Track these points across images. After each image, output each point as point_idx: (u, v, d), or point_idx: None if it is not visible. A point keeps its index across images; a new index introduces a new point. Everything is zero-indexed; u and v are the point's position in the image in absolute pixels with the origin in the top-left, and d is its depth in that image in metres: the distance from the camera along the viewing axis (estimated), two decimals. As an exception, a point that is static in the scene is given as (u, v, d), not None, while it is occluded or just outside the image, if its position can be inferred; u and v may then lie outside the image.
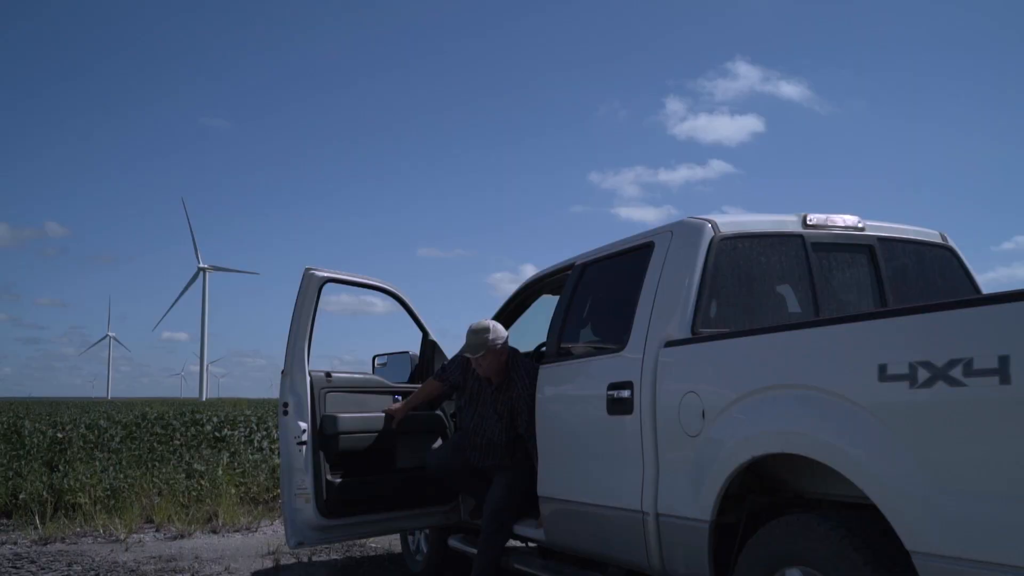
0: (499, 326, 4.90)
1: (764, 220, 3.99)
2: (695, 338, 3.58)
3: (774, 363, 3.15)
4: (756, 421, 3.13)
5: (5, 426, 13.24)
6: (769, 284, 3.93)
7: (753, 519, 3.38)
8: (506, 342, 4.89)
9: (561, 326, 4.57)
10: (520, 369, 4.84)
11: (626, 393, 3.79)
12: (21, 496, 8.60)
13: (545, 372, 4.55)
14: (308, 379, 4.93)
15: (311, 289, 4.99)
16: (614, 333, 4.22)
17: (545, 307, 5.71)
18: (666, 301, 3.78)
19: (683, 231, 3.91)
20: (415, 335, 5.71)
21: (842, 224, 4.06)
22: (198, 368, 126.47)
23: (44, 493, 8.59)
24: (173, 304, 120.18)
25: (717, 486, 3.27)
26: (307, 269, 5.03)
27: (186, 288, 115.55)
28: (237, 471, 9.84)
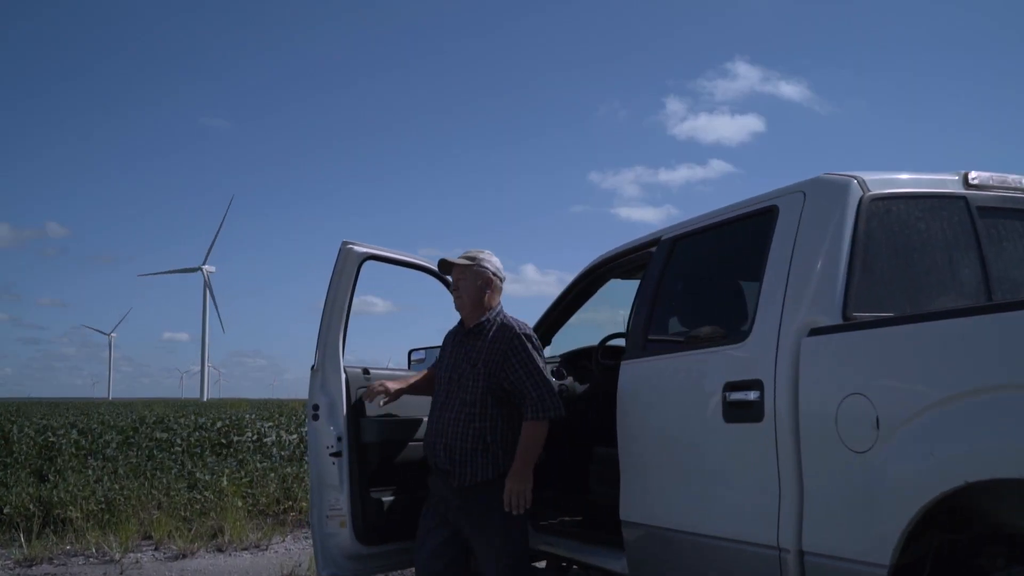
0: (496, 259, 3.92)
1: (918, 178, 3.18)
2: (854, 324, 2.75)
3: (987, 357, 2.33)
4: (966, 434, 2.31)
5: (-10, 431, 12.38)
6: (930, 256, 3.10)
7: (938, 561, 2.59)
8: (498, 276, 3.86)
9: (648, 314, 3.74)
10: (507, 321, 3.80)
11: (752, 395, 2.96)
12: (5, 510, 7.76)
13: (629, 370, 3.72)
14: (343, 377, 4.09)
15: (348, 267, 4.16)
16: (727, 320, 3.42)
17: (613, 294, 4.93)
18: (804, 278, 2.96)
19: (821, 191, 3.10)
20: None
21: (1014, 184, 3.25)
22: (199, 368, 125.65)
23: (31, 506, 7.74)
24: (213, 310, 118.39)
25: (903, 519, 2.43)
26: (344, 243, 4.18)
27: (209, 296, 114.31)
28: (244, 480, 9.00)
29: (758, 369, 2.97)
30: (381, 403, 4.03)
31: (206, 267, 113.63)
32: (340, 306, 4.13)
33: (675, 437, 3.41)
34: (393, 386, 4.04)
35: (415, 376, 4.21)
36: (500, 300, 3.91)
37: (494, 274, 3.85)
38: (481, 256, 3.85)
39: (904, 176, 3.15)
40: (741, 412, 3.01)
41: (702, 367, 3.30)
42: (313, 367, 4.06)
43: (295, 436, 12.47)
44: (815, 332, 2.82)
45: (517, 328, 3.75)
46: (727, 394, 3.07)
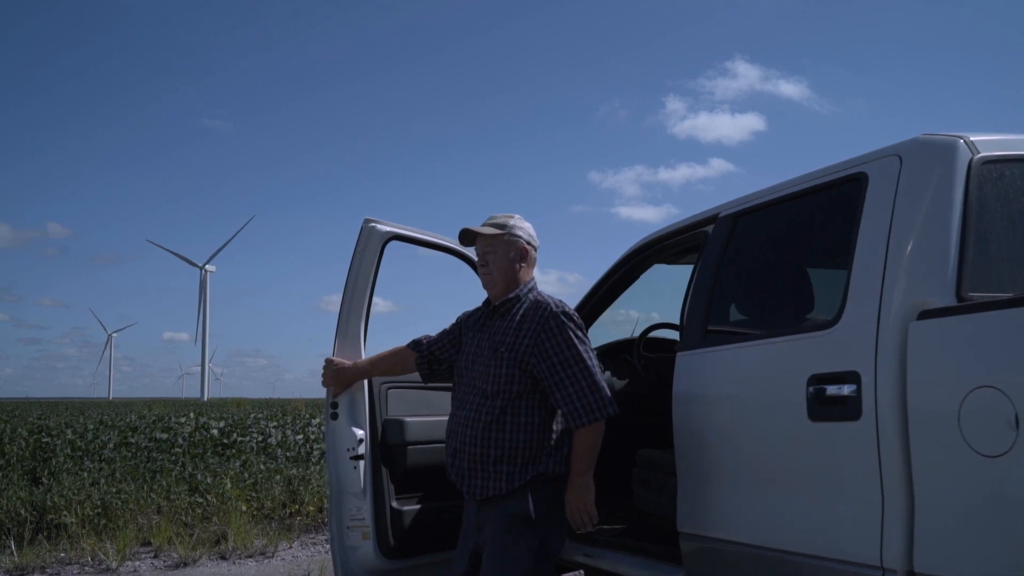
0: (529, 225, 3.30)
1: (1028, 140, 2.75)
2: (982, 304, 2.33)
3: None
4: None
5: (-16, 432, 11.89)
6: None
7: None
8: (532, 245, 3.23)
9: (708, 300, 3.32)
10: (541, 297, 3.15)
11: (847, 389, 2.54)
12: (-4, 515, 7.32)
13: (687, 363, 3.29)
14: None
15: (371, 248, 3.71)
16: (804, 303, 3.01)
17: (657, 280, 4.51)
18: (908, 254, 2.54)
19: (922, 154, 2.67)
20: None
21: None
22: (199, 368, 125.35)
23: (23, 511, 7.31)
24: (200, 313, 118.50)
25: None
26: (367, 221, 3.74)
27: (202, 295, 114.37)
28: (248, 483, 8.57)
29: (853, 359, 2.55)
30: (324, 383, 3.60)
31: (208, 267, 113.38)
32: (361, 291, 3.69)
33: (746, 439, 2.98)
34: (340, 375, 3.54)
35: (377, 361, 3.59)
36: (534, 274, 3.28)
37: (528, 243, 3.21)
38: (511, 222, 3.21)
39: (1017, 137, 2.73)
40: (832, 409, 2.59)
41: (779, 358, 2.87)
42: (331, 359, 3.62)
43: (300, 436, 12.02)
44: (926, 315, 2.40)
45: (553, 305, 3.07)
46: (812, 388, 2.65)
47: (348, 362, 3.59)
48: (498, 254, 3.17)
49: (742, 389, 3.03)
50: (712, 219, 3.52)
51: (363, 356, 3.67)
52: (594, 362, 3.04)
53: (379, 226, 3.72)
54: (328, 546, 7.25)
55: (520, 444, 2.97)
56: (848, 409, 2.53)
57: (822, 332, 2.71)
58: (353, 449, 3.52)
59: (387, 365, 3.57)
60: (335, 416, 3.54)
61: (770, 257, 3.30)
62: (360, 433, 3.54)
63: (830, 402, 2.59)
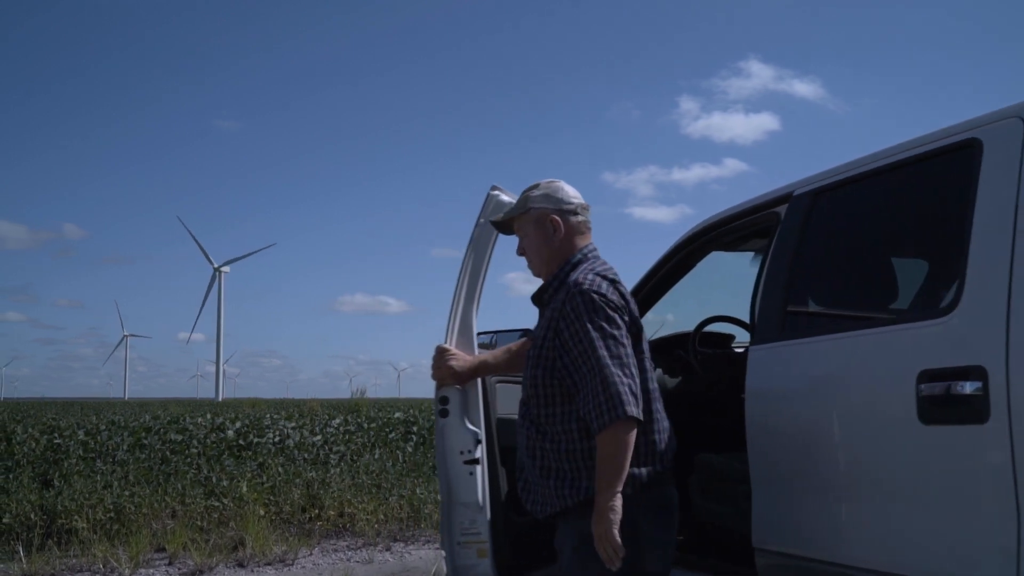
0: (562, 186, 2.77)
1: None
2: None
3: None
4: None
5: (-6, 431, 11.59)
6: None
7: None
8: (565, 209, 2.71)
9: (785, 288, 2.97)
10: (578, 274, 2.59)
11: (969, 387, 2.19)
12: (5, 519, 7.01)
13: (762, 359, 2.94)
14: None
15: (486, 232, 3.26)
16: (903, 288, 2.67)
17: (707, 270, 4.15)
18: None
19: (1052, 113, 2.31)
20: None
21: None
22: (214, 368, 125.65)
23: (32, 516, 7.00)
24: (200, 311, 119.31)
25: None
26: (493, 189, 3.25)
27: (208, 292, 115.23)
28: (266, 486, 8.24)
29: (976, 352, 2.20)
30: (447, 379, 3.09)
31: (223, 268, 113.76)
32: (478, 270, 3.25)
33: (839, 444, 2.62)
34: (461, 364, 3.05)
35: (503, 354, 3.11)
36: (586, 242, 2.73)
37: (559, 209, 2.70)
38: (533, 193, 2.75)
39: None
40: (950, 410, 2.23)
41: (879, 352, 2.51)
42: (439, 347, 3.17)
43: (319, 438, 11.70)
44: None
45: (584, 282, 2.51)
46: (924, 386, 2.29)
47: (465, 354, 3.11)
48: (529, 236, 2.75)
49: (834, 387, 2.67)
50: (784, 198, 3.17)
51: (475, 341, 3.23)
52: (614, 352, 2.42)
53: (505, 197, 3.24)
54: (349, 553, 6.94)
55: (564, 455, 2.50)
56: (972, 410, 2.17)
57: (934, 321, 2.35)
58: (468, 452, 3.06)
59: (509, 359, 3.08)
60: (445, 413, 3.08)
61: (859, 238, 2.94)
62: (478, 433, 3.08)
63: (948, 402, 2.23)
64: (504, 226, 2.89)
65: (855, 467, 2.56)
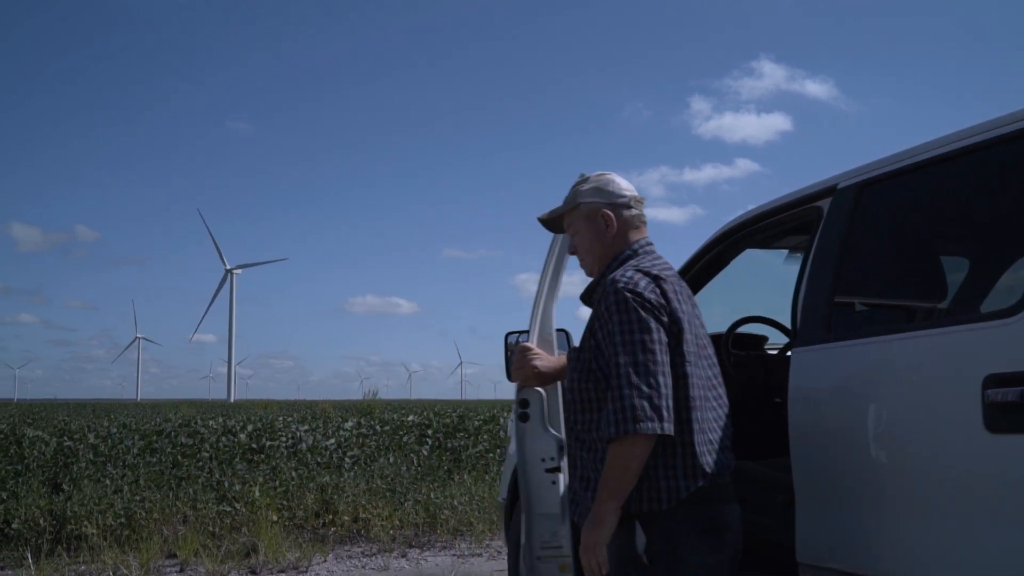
0: (613, 178, 2.64)
1: None
2: None
3: None
4: None
5: (3, 434, 11.46)
6: None
7: None
8: (616, 203, 2.56)
9: (830, 287, 2.79)
10: (617, 272, 2.42)
11: (1048, 394, 2.00)
12: (14, 524, 6.88)
13: (806, 361, 2.76)
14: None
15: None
16: (964, 286, 2.47)
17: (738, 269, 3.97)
18: None
19: None
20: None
21: None
22: (226, 370, 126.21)
23: (42, 521, 6.86)
24: (207, 309, 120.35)
25: None
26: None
27: (217, 292, 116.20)
28: (279, 490, 8.09)
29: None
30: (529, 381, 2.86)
31: (235, 270, 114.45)
32: (560, 266, 3.05)
33: (891, 453, 2.44)
34: (545, 365, 2.83)
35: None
36: (639, 236, 2.57)
37: (611, 203, 2.55)
38: (583, 187, 2.60)
39: None
40: (1021, 418, 2.05)
41: (938, 355, 2.33)
42: (521, 346, 2.98)
43: (332, 441, 11.55)
44: None
45: (620, 280, 2.34)
46: (991, 392, 2.11)
47: (547, 354, 2.89)
48: (580, 233, 2.61)
49: (887, 393, 2.49)
50: (827, 192, 2.99)
51: (555, 340, 3.03)
52: (639, 359, 2.23)
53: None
54: (364, 560, 6.78)
55: (601, 465, 2.31)
56: (1050, 418, 1.99)
57: (1002, 322, 2.17)
58: (551, 460, 2.86)
59: None
60: (525, 417, 2.85)
61: (911, 233, 2.76)
62: (560, 440, 2.88)
63: (1019, 409, 2.05)
64: (553, 224, 2.74)
65: (912, 478, 2.38)
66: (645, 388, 2.19)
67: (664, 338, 2.28)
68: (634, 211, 2.57)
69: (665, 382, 2.23)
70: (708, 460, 2.30)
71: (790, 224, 3.35)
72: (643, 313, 2.28)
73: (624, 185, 2.60)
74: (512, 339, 3.84)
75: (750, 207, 3.43)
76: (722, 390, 2.46)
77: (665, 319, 2.31)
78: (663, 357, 2.26)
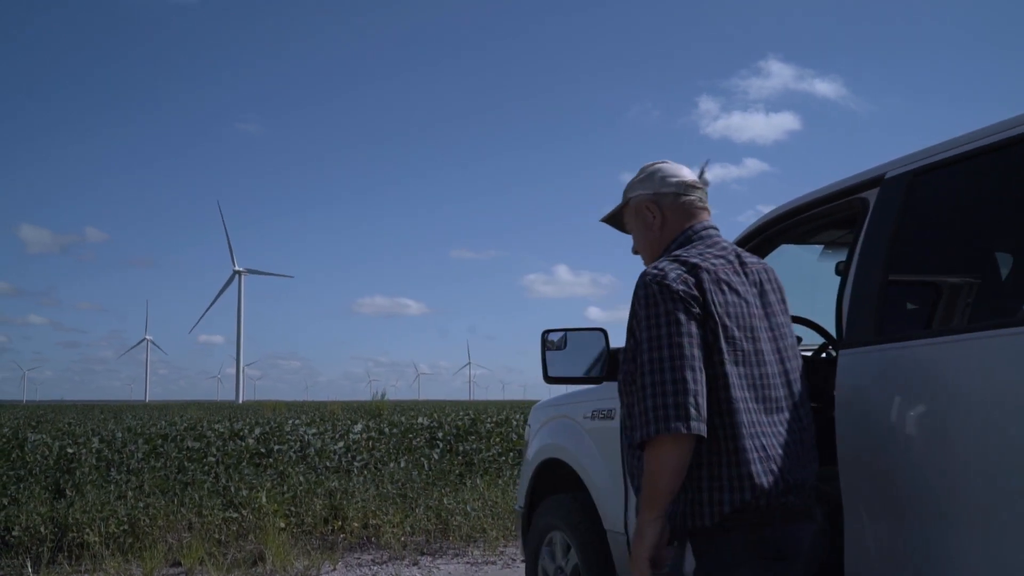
0: (659, 167, 2.44)
1: None
2: None
3: None
4: None
5: (5, 438, 11.27)
6: None
7: None
8: (665, 192, 2.37)
9: (880, 284, 2.57)
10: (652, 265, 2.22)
11: None
12: (14, 532, 6.68)
13: (857, 365, 2.54)
14: None
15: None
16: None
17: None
18: None
19: None
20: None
21: None
22: (234, 371, 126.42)
23: (43, 528, 6.67)
24: (209, 307, 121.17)
25: None
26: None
27: (222, 291, 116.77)
28: (287, 496, 7.88)
29: None
30: None
31: (239, 268, 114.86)
32: None
33: (955, 463, 2.22)
34: None
35: None
36: (692, 222, 2.36)
37: (656, 193, 2.37)
38: (633, 179, 2.46)
39: None
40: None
41: (1012, 356, 2.12)
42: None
43: (341, 444, 11.34)
44: None
45: (649, 272, 2.14)
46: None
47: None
48: (634, 231, 2.47)
49: (950, 398, 2.27)
50: (874, 182, 2.76)
51: None
52: (665, 355, 2.02)
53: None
54: (375, 568, 6.57)
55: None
56: None
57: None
58: None
59: None
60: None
61: (970, 225, 2.54)
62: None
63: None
64: (618, 224, 2.57)
65: (980, 491, 2.16)
66: (670, 385, 1.99)
67: (695, 331, 2.05)
68: (686, 197, 2.37)
69: (695, 377, 2.00)
70: (759, 470, 2.04)
71: (831, 217, 3.13)
72: (669, 305, 2.07)
73: (670, 172, 2.41)
74: (553, 336, 3.62)
75: (759, 207, 3.22)
76: (787, 391, 2.20)
77: (697, 311, 2.08)
78: (693, 351, 2.03)
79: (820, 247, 3.94)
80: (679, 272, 2.12)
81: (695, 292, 2.10)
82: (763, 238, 3.39)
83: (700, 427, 1.96)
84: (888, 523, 2.39)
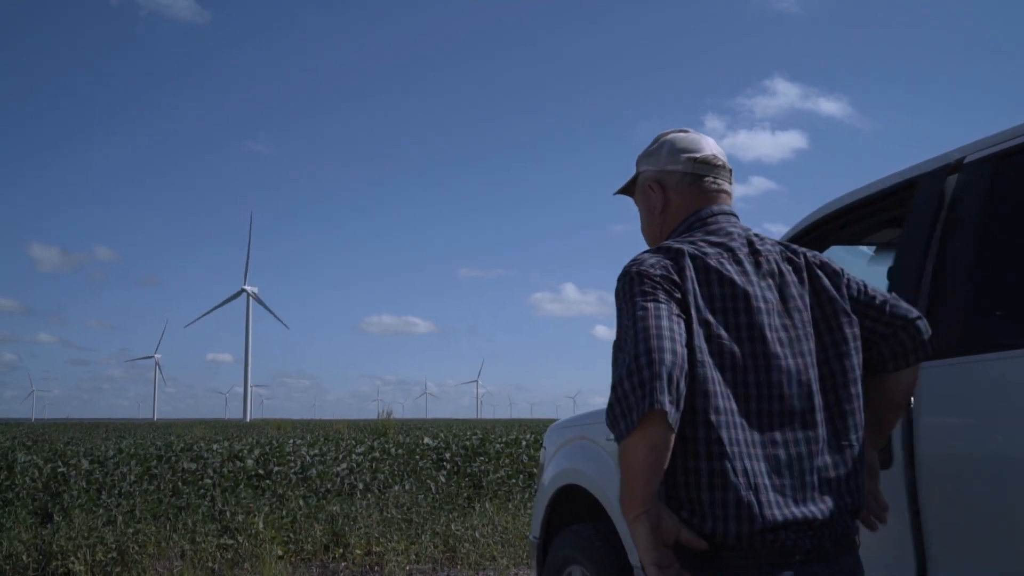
0: (672, 138, 2.02)
1: None
2: None
3: None
4: None
5: (-5, 459, 10.84)
6: None
7: None
8: (671, 168, 1.96)
9: (967, 284, 2.19)
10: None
11: None
12: (-4, 560, 6.29)
13: (943, 378, 2.15)
14: None
15: None
16: None
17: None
18: None
19: None
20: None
21: None
22: (242, 390, 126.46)
23: (25, 556, 6.27)
24: (209, 312, 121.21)
25: None
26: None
27: (225, 301, 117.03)
28: (285, 521, 7.48)
29: None
30: None
31: (249, 288, 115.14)
32: None
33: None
34: None
35: None
36: (703, 205, 1.93)
37: (662, 171, 1.98)
38: (641, 154, 2.08)
39: None
40: None
41: None
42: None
43: (343, 466, 10.93)
44: None
45: (631, 262, 1.77)
46: None
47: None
48: (640, 211, 2.08)
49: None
50: (951, 168, 2.39)
51: None
52: (640, 326, 1.61)
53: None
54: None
55: (667, 479, 1.67)
56: None
57: None
58: None
59: None
60: None
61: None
62: None
63: None
64: (626, 193, 2.19)
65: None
66: (641, 359, 1.57)
67: (675, 308, 1.65)
68: (697, 177, 1.95)
69: (672, 347, 1.57)
70: (748, 497, 1.59)
71: (891, 213, 2.75)
72: (647, 285, 1.68)
73: (682, 144, 1.98)
74: None
75: (765, 225, 2.82)
76: (810, 403, 1.71)
77: (678, 295, 1.68)
78: (670, 323, 1.61)
79: (870, 250, 3.57)
80: (657, 259, 1.73)
81: (674, 277, 1.70)
82: (812, 238, 3.00)
83: (665, 405, 1.51)
84: (983, 556, 2.00)
